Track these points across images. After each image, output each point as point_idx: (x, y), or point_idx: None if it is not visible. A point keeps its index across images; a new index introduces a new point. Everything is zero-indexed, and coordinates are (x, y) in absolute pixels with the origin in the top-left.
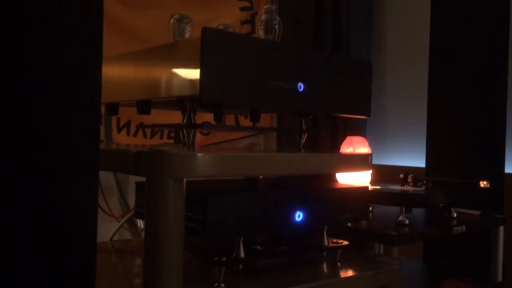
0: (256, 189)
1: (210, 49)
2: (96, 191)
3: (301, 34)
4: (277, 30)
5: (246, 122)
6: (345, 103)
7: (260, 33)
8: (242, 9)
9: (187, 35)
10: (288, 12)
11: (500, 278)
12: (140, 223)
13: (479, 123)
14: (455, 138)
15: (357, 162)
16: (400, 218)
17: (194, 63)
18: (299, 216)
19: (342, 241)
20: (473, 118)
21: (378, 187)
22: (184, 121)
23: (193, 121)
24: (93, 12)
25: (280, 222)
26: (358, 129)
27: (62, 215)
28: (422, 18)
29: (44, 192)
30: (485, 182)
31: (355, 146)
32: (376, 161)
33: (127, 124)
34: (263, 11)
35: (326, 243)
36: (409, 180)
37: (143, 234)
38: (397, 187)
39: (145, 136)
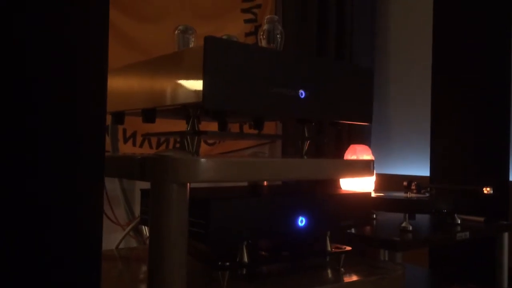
0: (259, 194)
1: (213, 57)
2: (101, 197)
3: (304, 43)
4: (279, 40)
5: (250, 132)
6: (347, 109)
7: (263, 42)
8: (247, 21)
9: (191, 46)
10: (291, 21)
11: (505, 284)
12: (146, 231)
13: (483, 130)
14: (459, 146)
15: (359, 168)
16: (404, 224)
17: (197, 71)
18: (302, 221)
19: (345, 246)
20: (477, 125)
21: (382, 194)
22: (188, 129)
23: (197, 129)
24: (99, 22)
25: (283, 227)
26: (362, 138)
27: (67, 222)
28: (425, 26)
29: (49, 199)
30: (488, 189)
31: (358, 154)
32: (380, 170)
33: (133, 135)
34: (265, 21)
35: (329, 248)
36: (413, 187)
37: (148, 242)
38: (401, 194)
39: (151, 146)
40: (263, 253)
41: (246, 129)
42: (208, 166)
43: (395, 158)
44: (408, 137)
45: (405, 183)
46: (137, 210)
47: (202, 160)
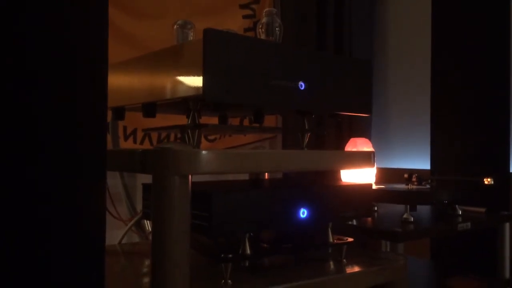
0: (260, 187)
1: (213, 50)
2: (104, 193)
3: (303, 38)
4: (278, 33)
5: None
6: (346, 101)
7: (262, 35)
8: (245, 17)
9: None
10: (290, 16)
11: (507, 275)
12: (148, 226)
13: (483, 121)
14: (460, 137)
15: (360, 159)
16: (405, 215)
17: (197, 64)
18: (303, 213)
19: (347, 238)
20: (477, 116)
21: (383, 186)
22: (189, 123)
23: (197, 122)
24: (99, 18)
25: (284, 219)
26: (362, 132)
27: (70, 218)
28: (424, 19)
29: (51, 195)
30: (489, 179)
31: (358, 147)
32: (380, 164)
33: (134, 132)
34: (264, 13)
35: (331, 240)
36: (414, 179)
37: (150, 237)
38: (402, 186)
39: (151, 143)
40: (265, 245)
41: (246, 123)
42: (210, 158)
43: (395, 151)
44: (408, 130)
45: (405, 175)
46: (138, 206)
47: (203, 151)
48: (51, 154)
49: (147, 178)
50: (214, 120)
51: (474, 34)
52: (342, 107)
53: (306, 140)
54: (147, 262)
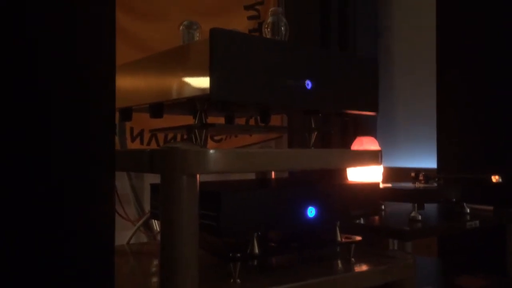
0: (268, 186)
1: (219, 49)
2: (113, 193)
3: (307, 37)
4: (284, 32)
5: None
6: (353, 99)
7: (267, 35)
8: (250, 18)
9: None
10: (294, 15)
11: None
12: (156, 226)
13: (490, 118)
14: (466, 135)
15: (366, 157)
16: (413, 214)
17: (203, 64)
18: (311, 212)
19: (355, 237)
20: (484, 113)
21: (390, 185)
22: (196, 122)
23: (204, 122)
24: (106, 21)
25: (292, 218)
26: (368, 130)
27: (80, 219)
28: (429, 15)
29: (62, 196)
30: (497, 177)
31: (365, 146)
32: (387, 163)
33: (141, 133)
34: (269, 13)
35: (339, 239)
36: (421, 178)
37: (158, 237)
38: (409, 185)
39: (158, 145)
40: (273, 244)
41: (252, 122)
42: (217, 157)
43: (401, 150)
44: (414, 129)
45: (412, 174)
46: (146, 207)
47: (211, 151)
48: (60, 155)
49: (154, 179)
50: (221, 121)
51: (480, 30)
52: (348, 105)
53: (313, 139)
54: (155, 262)
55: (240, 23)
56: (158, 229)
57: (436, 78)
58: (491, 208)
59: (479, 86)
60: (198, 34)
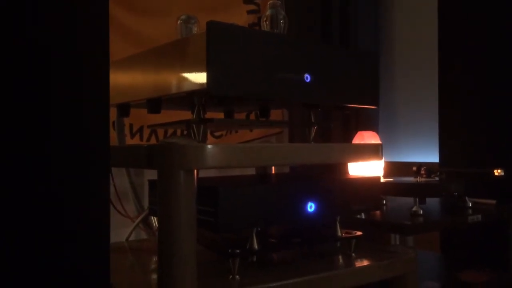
0: (267, 181)
1: (216, 42)
2: (108, 187)
3: (308, 36)
4: (283, 25)
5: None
6: (353, 93)
7: (266, 28)
8: (249, 12)
9: None
10: (295, 9)
11: None
12: (155, 222)
13: (492, 112)
14: (468, 128)
15: (367, 151)
16: (414, 208)
17: (201, 58)
18: (311, 207)
19: (355, 232)
20: (486, 107)
21: (391, 179)
22: (194, 117)
23: (202, 117)
24: (99, 14)
25: (292, 213)
26: (369, 125)
27: (75, 214)
28: (430, 7)
29: (56, 189)
30: (499, 171)
31: (366, 140)
32: (388, 158)
33: (140, 130)
34: (268, 6)
35: (339, 234)
36: (422, 172)
37: (157, 231)
38: (410, 179)
39: (158, 141)
40: (273, 240)
41: (253, 117)
42: (215, 152)
43: (402, 145)
44: (416, 123)
45: (414, 168)
46: (146, 203)
47: (209, 146)
48: (53, 151)
49: (154, 175)
50: (220, 116)
51: (482, 24)
52: (348, 99)
53: (313, 133)
54: (154, 259)
55: (240, 17)
56: (157, 225)
57: (438, 72)
58: (493, 202)
59: (481, 80)
60: (196, 29)
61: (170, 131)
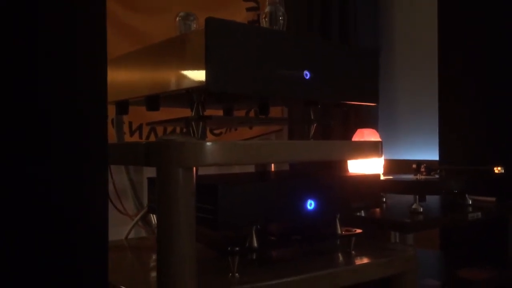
0: (267, 179)
1: (215, 39)
2: (106, 184)
3: (307, 29)
4: (282, 22)
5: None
6: (353, 90)
7: (265, 24)
8: (249, 9)
9: None
10: (293, 13)
11: None
12: (154, 220)
13: (492, 110)
14: (468, 126)
15: (367, 149)
16: (414, 206)
17: (199, 54)
18: (310, 204)
19: (355, 229)
20: (486, 104)
21: (391, 177)
22: (193, 114)
23: (201, 114)
24: (96, 12)
25: (292, 211)
26: (369, 123)
27: (73, 211)
28: (430, 6)
29: (54, 187)
30: (499, 168)
31: (366, 138)
32: (388, 155)
33: (139, 128)
34: (267, 2)
35: (339, 231)
36: (422, 169)
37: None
38: (410, 177)
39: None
40: (272, 237)
41: (252, 115)
42: (214, 149)
43: (402, 143)
44: (416, 121)
45: (414, 166)
46: (145, 201)
47: (208, 143)
48: (52, 146)
49: (153, 173)
50: (220, 113)
51: (481, 21)
52: (348, 96)
53: (312, 131)
54: (154, 257)
55: (240, 15)
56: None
57: (438, 69)
58: (493, 199)
59: (481, 77)
60: (194, 26)
61: (169, 129)
